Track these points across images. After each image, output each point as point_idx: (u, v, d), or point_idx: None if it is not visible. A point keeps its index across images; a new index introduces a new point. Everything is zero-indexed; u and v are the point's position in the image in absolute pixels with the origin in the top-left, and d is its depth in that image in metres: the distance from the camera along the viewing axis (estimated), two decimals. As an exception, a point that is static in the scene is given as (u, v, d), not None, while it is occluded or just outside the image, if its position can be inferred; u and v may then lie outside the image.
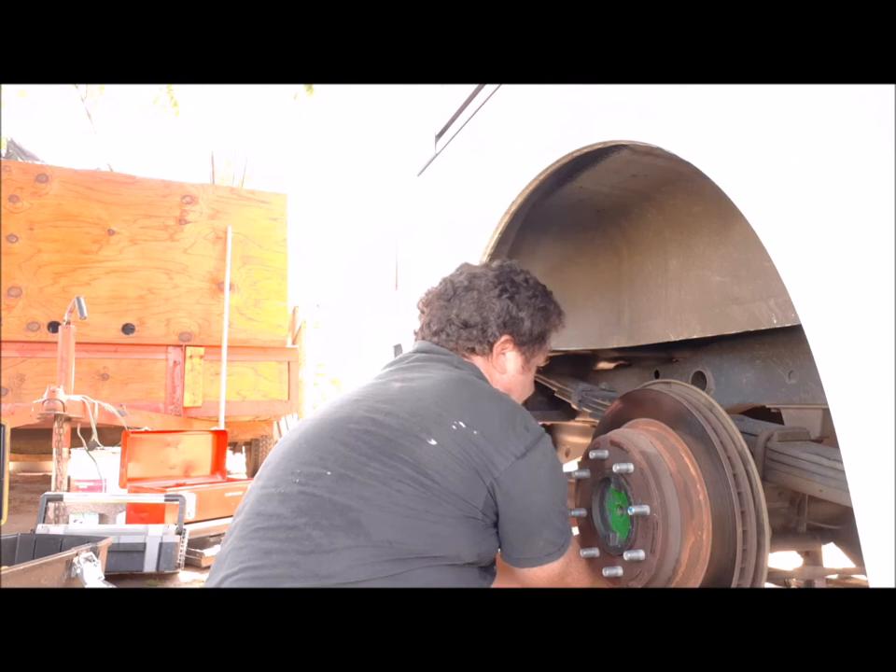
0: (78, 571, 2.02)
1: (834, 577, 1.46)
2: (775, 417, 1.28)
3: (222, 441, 4.13)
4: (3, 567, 1.84)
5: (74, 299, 3.64)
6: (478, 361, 1.22)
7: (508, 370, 1.24)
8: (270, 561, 0.88)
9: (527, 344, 1.24)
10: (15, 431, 3.31)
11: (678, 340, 1.43)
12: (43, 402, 3.32)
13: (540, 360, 1.31)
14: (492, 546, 1.04)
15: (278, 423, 5.99)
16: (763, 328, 1.19)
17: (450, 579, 0.94)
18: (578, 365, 1.93)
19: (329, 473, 0.95)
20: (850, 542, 1.39)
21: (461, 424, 0.99)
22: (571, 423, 2.14)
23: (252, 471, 5.65)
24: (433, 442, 0.97)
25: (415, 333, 1.32)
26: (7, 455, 2.91)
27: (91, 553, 2.10)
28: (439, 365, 1.17)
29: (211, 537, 3.30)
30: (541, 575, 1.06)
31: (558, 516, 1.05)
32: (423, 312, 1.31)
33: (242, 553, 0.91)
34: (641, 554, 1.09)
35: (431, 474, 0.95)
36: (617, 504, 1.20)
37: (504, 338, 1.22)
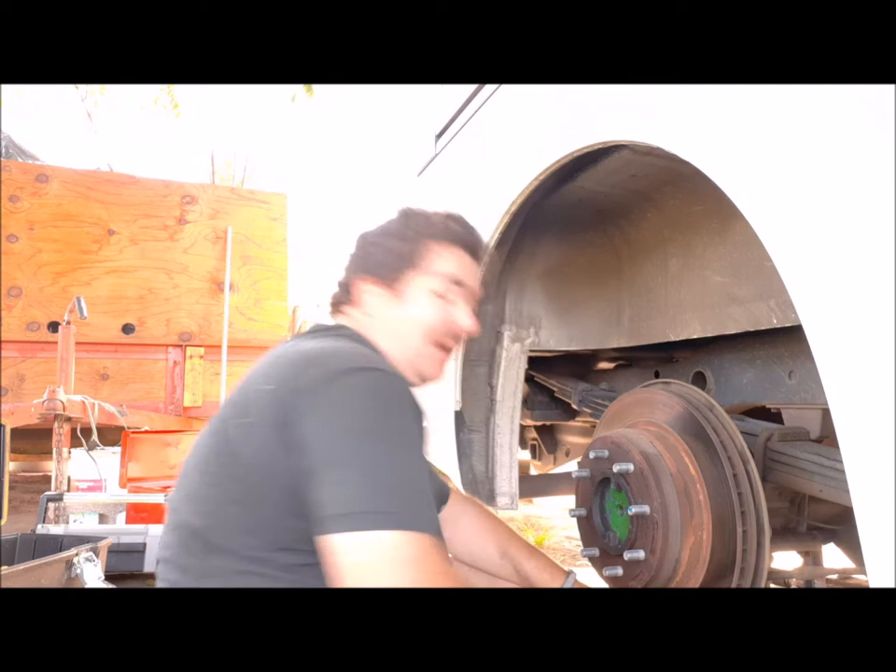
0: (78, 571, 2.02)
1: (834, 577, 1.46)
2: (775, 417, 1.28)
3: (222, 441, 4.12)
4: (3, 567, 1.84)
5: (74, 299, 3.64)
6: (350, 315, 1.03)
7: (369, 301, 1.02)
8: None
9: (383, 273, 1.02)
10: (15, 431, 3.30)
11: (678, 340, 1.43)
12: (43, 402, 3.32)
13: (428, 284, 1.00)
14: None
15: (278, 423, 5.98)
16: (762, 328, 1.19)
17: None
18: (578, 365, 1.93)
19: (185, 493, 0.87)
20: (850, 542, 1.39)
21: (268, 386, 0.82)
22: (571, 423, 2.14)
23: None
24: (248, 420, 0.81)
25: None
26: (7, 455, 2.91)
27: (91, 553, 2.10)
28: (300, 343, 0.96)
29: (211, 537, 3.29)
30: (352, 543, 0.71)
31: (371, 469, 0.74)
32: None
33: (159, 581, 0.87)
34: (641, 554, 1.09)
35: (243, 457, 0.80)
36: (617, 504, 1.20)
37: (356, 278, 1.04)
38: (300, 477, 0.76)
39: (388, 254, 1.03)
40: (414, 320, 0.99)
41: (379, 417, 0.78)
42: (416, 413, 0.83)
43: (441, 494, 1.20)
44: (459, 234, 1.05)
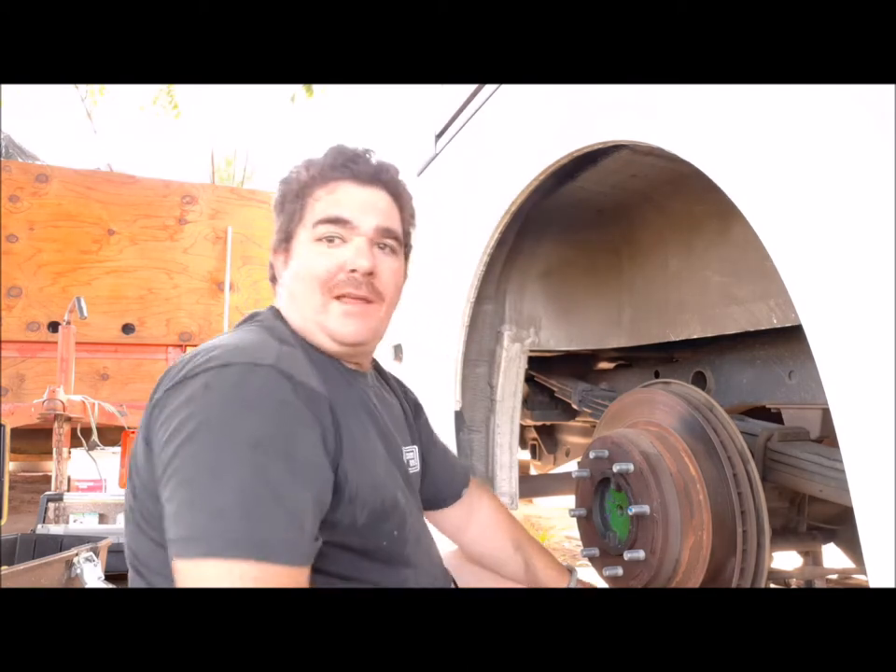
0: (78, 571, 2.02)
1: (834, 577, 1.46)
2: (775, 417, 1.28)
3: (222, 441, 4.11)
4: (3, 567, 1.84)
5: (74, 299, 3.64)
6: (276, 293, 1.01)
7: (279, 273, 0.98)
8: None
9: (280, 238, 0.97)
10: (15, 431, 3.30)
11: (678, 340, 1.43)
12: (43, 402, 3.32)
13: (308, 234, 0.93)
14: None
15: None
16: (762, 328, 1.19)
17: None
18: (578, 365, 1.93)
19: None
20: (850, 542, 1.39)
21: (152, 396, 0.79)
22: (571, 423, 2.14)
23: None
24: (139, 439, 0.79)
25: None
26: (7, 455, 2.91)
27: (91, 553, 2.10)
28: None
29: (211, 537, 3.29)
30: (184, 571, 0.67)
31: (203, 486, 0.67)
32: None
33: None
34: (641, 554, 1.09)
35: (133, 474, 0.80)
36: (617, 504, 1.20)
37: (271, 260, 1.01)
38: (159, 493, 0.72)
39: (283, 219, 0.97)
40: (301, 275, 0.92)
41: (218, 423, 0.69)
42: (290, 408, 0.73)
43: (460, 481, 1.19)
44: (336, 166, 0.94)
